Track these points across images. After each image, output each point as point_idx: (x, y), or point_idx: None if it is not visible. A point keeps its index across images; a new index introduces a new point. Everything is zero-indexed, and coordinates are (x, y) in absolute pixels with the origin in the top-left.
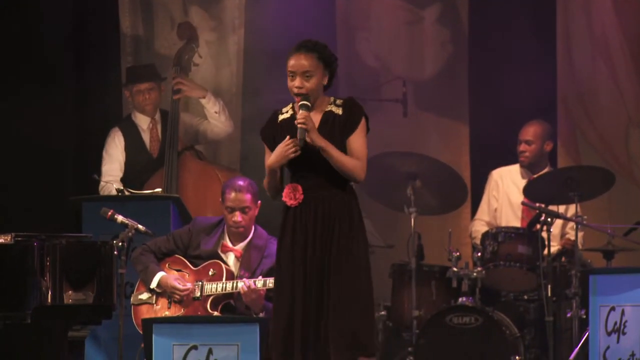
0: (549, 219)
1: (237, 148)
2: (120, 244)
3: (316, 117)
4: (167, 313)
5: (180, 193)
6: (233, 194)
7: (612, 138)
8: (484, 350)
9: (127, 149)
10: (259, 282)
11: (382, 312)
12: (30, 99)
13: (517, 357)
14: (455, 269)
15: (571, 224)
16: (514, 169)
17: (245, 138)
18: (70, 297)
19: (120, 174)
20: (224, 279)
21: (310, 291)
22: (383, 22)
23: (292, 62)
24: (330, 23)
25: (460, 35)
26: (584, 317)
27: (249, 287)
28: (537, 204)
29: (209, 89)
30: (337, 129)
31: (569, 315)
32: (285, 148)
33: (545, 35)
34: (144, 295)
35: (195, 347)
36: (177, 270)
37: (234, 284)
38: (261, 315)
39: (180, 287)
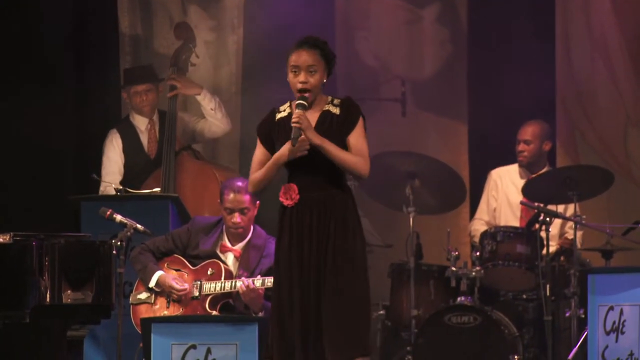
0: (547, 219)
1: (236, 147)
2: (119, 243)
3: (314, 117)
4: (165, 312)
5: (178, 193)
6: (232, 195)
7: (611, 138)
8: (482, 350)
9: (125, 150)
10: (258, 282)
11: (381, 312)
12: (30, 99)
13: (515, 357)
14: (454, 269)
15: (570, 224)
16: (513, 169)
17: (244, 137)
18: (69, 296)
19: (119, 177)
20: (222, 278)
21: (308, 292)
22: (382, 22)
23: (295, 57)
24: (329, 22)
25: (460, 35)
26: (583, 316)
27: (247, 286)
28: (536, 204)
29: (208, 89)
30: (335, 129)
31: (567, 314)
32: (293, 145)
33: (544, 35)
34: (143, 295)
35: (194, 347)
36: (176, 270)
37: (233, 284)
38: (260, 314)
39: (178, 287)
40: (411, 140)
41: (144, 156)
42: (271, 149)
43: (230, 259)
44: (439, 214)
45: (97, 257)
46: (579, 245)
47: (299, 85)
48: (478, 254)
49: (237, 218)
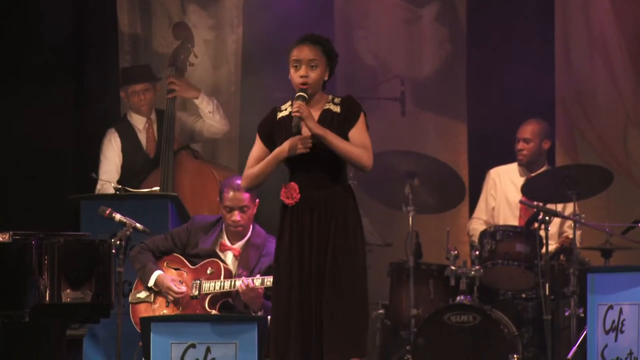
0: (546, 218)
1: (236, 147)
2: (118, 242)
3: (314, 115)
4: (165, 311)
5: (177, 192)
6: (231, 193)
7: (611, 137)
8: (482, 349)
9: (124, 149)
10: (257, 281)
11: (380, 311)
12: (30, 99)
13: (515, 356)
14: (453, 268)
15: (569, 223)
16: (512, 168)
17: (243, 137)
18: (68, 295)
19: (117, 176)
20: (222, 277)
21: (307, 292)
22: (381, 21)
23: (296, 52)
24: (328, 22)
25: (459, 34)
26: (582, 315)
27: (247, 285)
28: (535, 203)
29: (207, 88)
30: (335, 126)
31: (567, 313)
32: (296, 142)
33: (544, 35)
34: (142, 294)
35: (193, 346)
36: (176, 269)
37: (232, 283)
38: (260, 313)
39: (175, 289)
40: (410, 139)
41: (143, 155)
42: (271, 147)
43: (229, 258)
44: (439, 213)
45: (96, 256)
46: (578, 244)
47: (299, 80)
48: (477, 253)
49: (236, 216)
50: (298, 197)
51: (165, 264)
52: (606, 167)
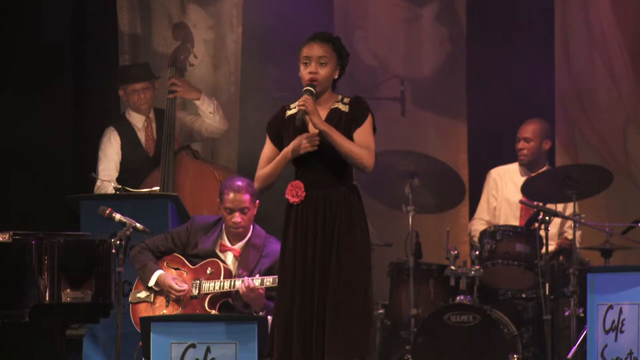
0: (547, 218)
1: (235, 147)
2: (118, 242)
3: (323, 113)
4: (165, 311)
5: (177, 192)
6: (232, 195)
7: (610, 137)
8: (482, 349)
9: (123, 148)
10: (257, 281)
11: (380, 311)
12: (30, 99)
13: (515, 356)
14: (453, 268)
15: (569, 223)
16: (513, 168)
17: (242, 137)
18: (68, 295)
19: (116, 174)
20: (221, 277)
21: (311, 291)
22: (381, 21)
23: (306, 49)
24: (328, 22)
25: (459, 34)
26: (582, 315)
27: (247, 286)
28: (535, 203)
29: (207, 88)
30: (343, 126)
31: (566, 313)
32: (304, 140)
33: (544, 34)
34: (142, 294)
35: (193, 346)
36: (175, 269)
37: (232, 283)
38: (261, 314)
39: (177, 287)
40: (410, 139)
41: (142, 153)
42: (280, 146)
43: (229, 258)
44: (438, 212)
45: (96, 256)
46: (578, 245)
47: (308, 76)
48: (477, 253)
49: (237, 218)
50: (303, 195)
51: (165, 263)
52: (606, 167)
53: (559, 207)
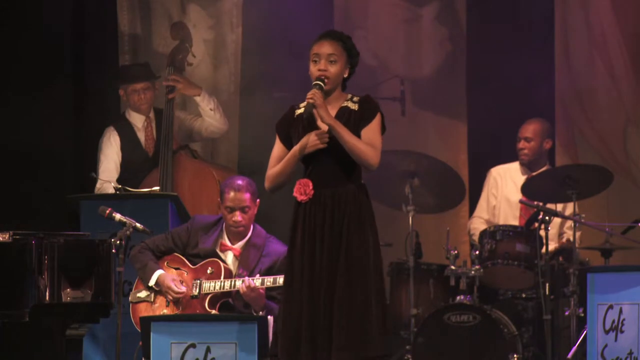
0: (547, 218)
1: (235, 147)
2: (118, 242)
3: (332, 112)
4: (165, 311)
5: (176, 192)
6: (232, 194)
7: (610, 137)
8: (482, 349)
9: (123, 148)
10: (257, 281)
11: None
12: (30, 99)
13: (515, 356)
14: (453, 267)
15: (569, 223)
16: (513, 167)
17: (242, 137)
18: (68, 295)
19: (116, 175)
20: (222, 277)
21: (319, 292)
22: (381, 21)
23: (316, 47)
24: (328, 22)
25: (459, 33)
26: (582, 315)
27: (247, 286)
28: (535, 202)
29: (207, 88)
30: (352, 124)
31: (567, 313)
32: (313, 137)
33: (543, 34)
34: (143, 294)
35: (193, 346)
36: (176, 269)
37: (232, 283)
38: (261, 313)
39: (175, 289)
40: (410, 139)
41: (142, 153)
42: (289, 145)
43: (229, 258)
44: (438, 212)
45: (96, 255)
46: (578, 244)
47: (318, 73)
48: (477, 252)
49: (238, 217)
50: (312, 193)
51: (165, 263)
52: (606, 167)
53: (559, 207)
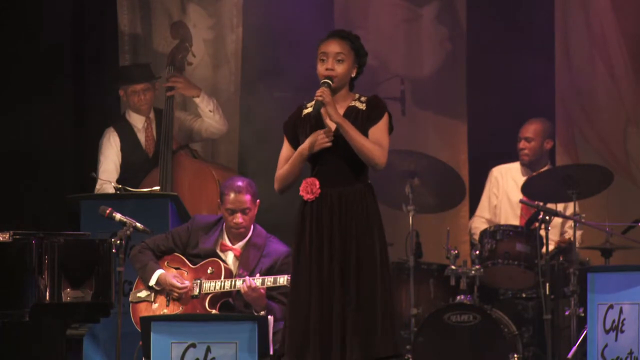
0: (547, 217)
1: (235, 147)
2: (118, 242)
3: (339, 111)
4: (165, 311)
5: (176, 192)
6: (232, 195)
7: (611, 136)
8: (482, 349)
9: (123, 149)
10: (258, 281)
11: None
12: (30, 99)
13: (515, 355)
14: (453, 267)
15: (570, 223)
16: (515, 167)
17: (242, 137)
18: (68, 295)
19: (116, 176)
20: (222, 277)
21: (328, 292)
22: (381, 21)
23: (324, 46)
24: (328, 21)
25: (459, 33)
26: (582, 315)
27: (249, 286)
28: (536, 202)
29: (207, 88)
30: (359, 123)
31: (567, 313)
32: (318, 137)
33: (544, 34)
34: (143, 293)
35: (193, 345)
36: (176, 269)
37: (233, 283)
38: (262, 313)
39: (179, 284)
40: (410, 138)
41: (142, 154)
42: (297, 145)
43: (230, 258)
44: (439, 212)
45: (96, 255)
46: (578, 244)
47: (325, 72)
48: (477, 252)
49: (239, 218)
50: (318, 192)
51: (165, 263)
52: (606, 166)
53: (560, 206)
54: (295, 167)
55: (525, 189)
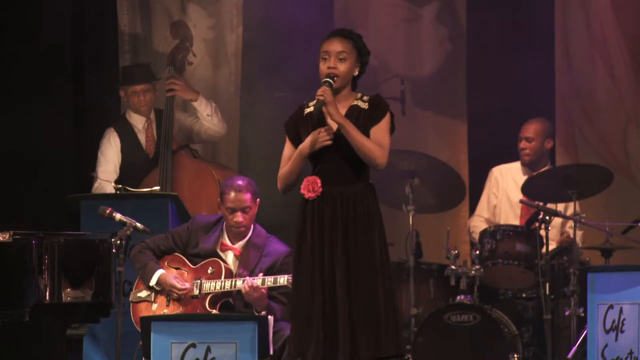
0: (547, 217)
1: (235, 147)
2: (118, 242)
3: (341, 110)
4: (165, 311)
5: (176, 192)
6: (233, 194)
7: (611, 136)
8: (482, 349)
9: (123, 149)
10: (258, 281)
11: None
12: (30, 99)
13: (515, 355)
14: (453, 267)
15: (570, 223)
16: (515, 167)
17: (243, 137)
18: (68, 295)
19: (115, 176)
20: (222, 277)
21: (330, 292)
22: (381, 20)
23: (326, 45)
24: (328, 21)
25: (458, 34)
26: (582, 315)
27: (250, 286)
28: (536, 202)
29: (207, 88)
30: (361, 123)
31: (567, 313)
32: (318, 135)
33: (544, 34)
34: (143, 293)
35: (193, 345)
36: (176, 269)
37: (233, 283)
38: (263, 313)
39: (179, 285)
40: (410, 138)
41: (142, 155)
42: (298, 144)
43: (230, 258)
44: (439, 212)
45: (96, 255)
46: (579, 244)
47: (327, 71)
48: (477, 252)
49: (239, 217)
50: (320, 190)
51: (166, 263)
52: (606, 166)
53: (560, 207)
54: (296, 165)
55: (525, 189)
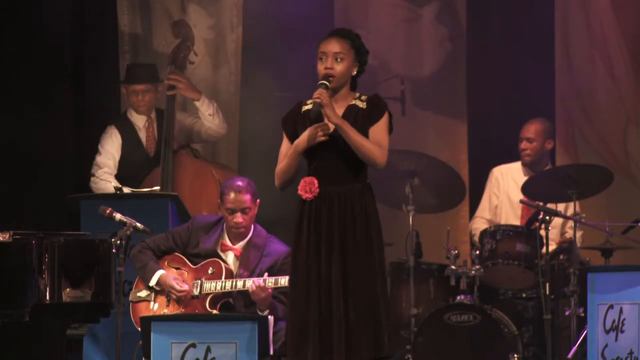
0: (547, 217)
1: (235, 146)
2: (118, 242)
3: (340, 110)
4: (165, 311)
5: (176, 191)
6: (233, 195)
7: (611, 137)
8: (482, 349)
9: (124, 147)
10: (265, 280)
11: None
12: (29, 99)
13: (515, 355)
14: (453, 267)
15: (570, 223)
16: (516, 167)
17: (243, 136)
18: (68, 295)
19: (114, 171)
20: (223, 277)
21: (326, 292)
22: (381, 20)
23: (323, 45)
24: (328, 21)
25: (458, 34)
26: (582, 315)
27: (258, 286)
28: (536, 202)
29: (207, 88)
30: (359, 122)
31: (567, 313)
32: (315, 130)
33: (544, 34)
34: (143, 293)
35: (193, 345)
36: (176, 269)
37: (233, 283)
38: (265, 313)
39: (178, 287)
40: (410, 138)
41: (143, 153)
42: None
43: (230, 258)
44: (439, 212)
45: (96, 255)
46: (579, 244)
47: (324, 71)
48: (478, 252)
49: (239, 218)
50: (317, 191)
51: (166, 263)
52: (606, 166)
53: (560, 207)
54: (292, 161)
55: (525, 189)
